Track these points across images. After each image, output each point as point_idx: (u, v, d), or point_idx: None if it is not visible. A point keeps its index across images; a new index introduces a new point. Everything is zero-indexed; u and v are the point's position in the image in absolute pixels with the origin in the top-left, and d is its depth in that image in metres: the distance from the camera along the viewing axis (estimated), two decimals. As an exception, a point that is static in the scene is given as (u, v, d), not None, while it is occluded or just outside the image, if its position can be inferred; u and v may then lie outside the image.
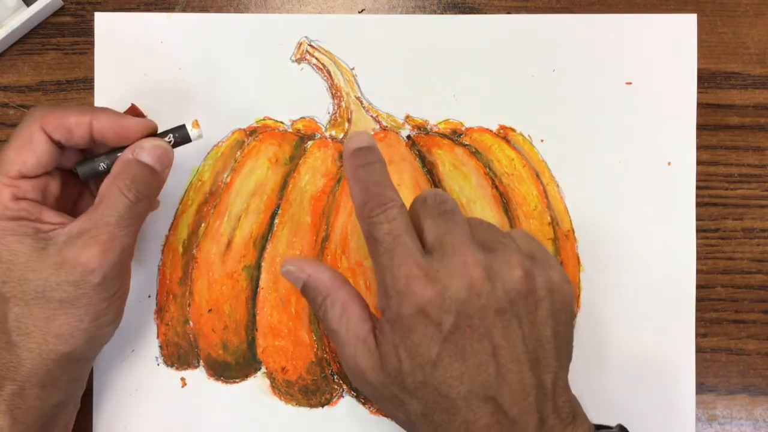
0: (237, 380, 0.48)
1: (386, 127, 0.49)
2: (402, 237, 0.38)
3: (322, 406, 0.48)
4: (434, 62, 0.49)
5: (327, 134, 0.49)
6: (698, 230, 0.49)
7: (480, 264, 0.37)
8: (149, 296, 0.48)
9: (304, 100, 0.49)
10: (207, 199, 0.49)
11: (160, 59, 0.49)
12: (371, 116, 0.49)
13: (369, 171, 0.40)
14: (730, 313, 0.49)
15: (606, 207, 0.49)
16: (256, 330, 0.48)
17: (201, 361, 0.48)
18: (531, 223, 0.49)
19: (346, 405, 0.48)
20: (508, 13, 0.50)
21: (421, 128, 0.49)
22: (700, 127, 0.49)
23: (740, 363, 0.49)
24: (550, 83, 0.49)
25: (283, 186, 0.49)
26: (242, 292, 0.48)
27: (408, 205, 0.41)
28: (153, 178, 0.41)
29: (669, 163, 0.49)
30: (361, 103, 0.49)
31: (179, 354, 0.48)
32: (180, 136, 0.43)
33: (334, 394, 0.48)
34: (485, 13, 0.50)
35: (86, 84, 0.49)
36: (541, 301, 0.38)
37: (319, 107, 0.49)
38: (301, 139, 0.49)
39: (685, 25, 0.49)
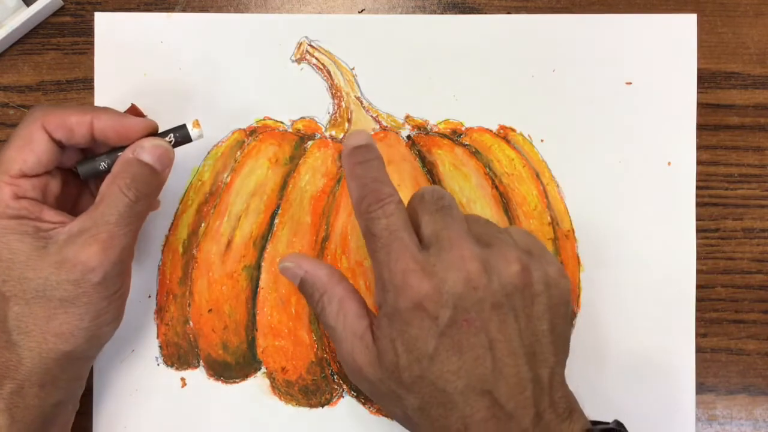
0: (237, 380, 0.48)
1: (386, 127, 0.49)
2: (399, 232, 0.38)
3: (322, 406, 0.48)
4: (434, 62, 0.49)
5: (327, 134, 0.49)
6: (698, 230, 0.49)
7: (477, 258, 0.37)
8: (149, 296, 0.48)
9: (304, 100, 0.49)
10: (207, 199, 0.49)
11: (160, 59, 0.49)
12: (371, 116, 0.49)
13: (367, 168, 0.40)
14: (730, 313, 0.49)
15: (606, 207, 0.49)
16: (256, 330, 0.48)
17: (201, 361, 0.48)
18: (531, 223, 0.49)
19: (346, 405, 0.48)
20: (508, 13, 0.50)
21: (421, 128, 0.49)
22: (700, 127, 0.49)
23: (740, 363, 0.49)
24: (550, 83, 0.49)
25: (283, 186, 0.49)
26: (242, 292, 0.48)
27: (406, 203, 0.41)
28: (153, 178, 0.41)
29: (669, 163, 0.49)
30: (361, 103, 0.49)
31: (179, 354, 0.48)
32: (181, 135, 0.43)
33: (334, 394, 0.48)
34: (485, 13, 0.50)
35: (86, 84, 0.49)
36: (537, 296, 0.38)
37: (319, 107, 0.49)
38: (301, 139, 0.49)
39: (685, 25, 0.49)
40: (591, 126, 0.49)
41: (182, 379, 0.48)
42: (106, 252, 0.39)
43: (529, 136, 0.49)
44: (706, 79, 0.50)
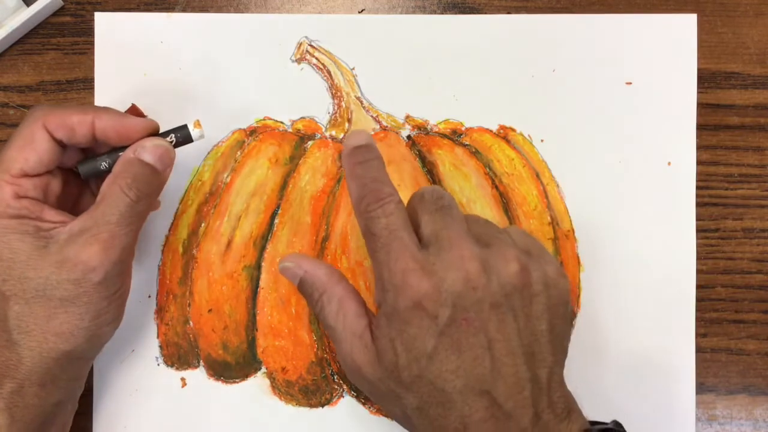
0: (237, 380, 0.48)
1: (386, 127, 0.49)
2: (399, 232, 0.38)
3: (322, 406, 0.48)
4: (434, 62, 0.49)
5: (327, 134, 0.49)
6: (698, 230, 0.49)
7: (476, 258, 0.38)
8: (149, 296, 0.48)
9: (304, 100, 0.49)
10: (207, 199, 0.49)
11: (160, 59, 0.49)
12: (371, 116, 0.49)
13: (366, 168, 0.40)
14: (730, 313, 0.49)
15: (606, 207, 0.49)
16: (256, 330, 0.48)
17: (201, 361, 0.48)
18: (531, 223, 0.49)
19: (346, 405, 0.48)
20: (508, 13, 0.50)
21: (421, 128, 0.49)
22: (700, 127, 0.49)
23: (740, 363, 0.49)
24: (550, 83, 0.49)
25: (283, 186, 0.49)
26: (242, 292, 0.48)
27: (406, 203, 0.41)
28: (154, 178, 0.41)
29: (669, 163, 0.49)
30: (361, 103, 0.49)
31: (179, 354, 0.48)
32: (182, 136, 0.43)
33: (334, 394, 0.48)
34: (485, 13, 0.50)
35: (86, 84, 0.49)
36: (536, 296, 0.38)
37: (319, 107, 0.49)
38: (301, 139, 0.49)
39: (685, 25, 0.49)
40: (591, 126, 0.49)
41: (182, 379, 0.48)
42: (107, 252, 0.39)
43: (529, 136, 0.49)
44: (706, 79, 0.50)
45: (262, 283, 0.48)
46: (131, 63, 0.49)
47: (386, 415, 0.48)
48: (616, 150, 0.49)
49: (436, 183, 0.49)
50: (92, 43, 0.49)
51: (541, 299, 0.39)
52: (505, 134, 0.49)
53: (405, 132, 0.49)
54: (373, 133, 0.49)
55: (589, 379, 0.48)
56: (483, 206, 0.49)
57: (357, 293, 0.42)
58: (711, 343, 0.49)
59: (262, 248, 0.48)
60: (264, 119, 0.49)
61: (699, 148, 0.49)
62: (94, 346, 0.42)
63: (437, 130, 0.49)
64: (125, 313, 0.43)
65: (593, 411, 0.42)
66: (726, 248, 0.49)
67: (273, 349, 0.48)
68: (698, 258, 0.49)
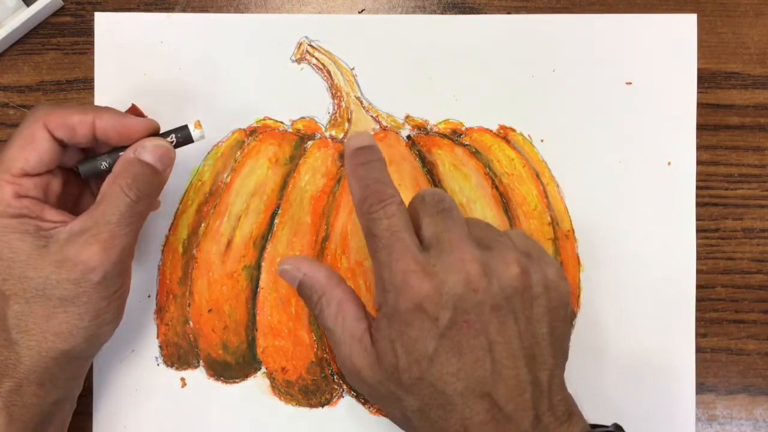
0: (237, 380, 0.48)
1: (386, 127, 0.49)
2: (400, 233, 0.38)
3: (322, 406, 0.48)
4: (434, 62, 0.49)
5: (327, 134, 0.49)
6: (698, 230, 0.49)
7: (477, 260, 0.38)
8: (149, 296, 0.48)
9: (304, 100, 0.49)
10: (207, 199, 0.49)
11: (160, 59, 0.49)
12: (371, 116, 0.49)
13: (369, 169, 0.40)
14: (730, 313, 0.49)
15: (606, 207, 0.49)
16: (256, 330, 0.48)
17: (201, 361, 0.48)
18: (531, 223, 0.49)
19: (346, 405, 0.48)
20: (508, 13, 0.50)
21: (421, 128, 0.49)
22: (700, 127, 0.49)
23: (740, 363, 0.49)
24: (550, 83, 0.49)
25: (283, 186, 0.49)
26: (242, 292, 0.48)
27: (406, 202, 0.41)
28: (154, 178, 0.41)
29: (669, 163, 0.49)
30: (361, 103, 0.49)
31: (179, 354, 0.48)
32: (182, 136, 0.43)
33: (334, 394, 0.48)
34: (485, 13, 0.50)
35: (86, 84, 0.49)
36: (537, 298, 0.38)
37: (319, 107, 0.49)
38: (301, 139, 0.49)
39: (685, 25, 0.49)
40: (591, 126, 0.49)
41: (182, 379, 0.48)
42: (107, 251, 0.39)
43: (529, 136, 0.49)
44: (706, 79, 0.50)
45: (262, 283, 0.48)
46: (131, 63, 0.49)
47: (386, 415, 0.48)
48: (616, 150, 0.49)
49: (436, 183, 0.49)
50: (92, 43, 0.49)
51: (542, 302, 0.39)
52: (505, 134, 0.49)
53: (405, 132, 0.49)
54: (373, 133, 0.49)
55: (589, 378, 0.48)
56: (483, 206, 0.49)
57: (356, 296, 0.41)
58: (711, 343, 0.49)
59: (262, 248, 0.48)
60: (264, 119, 0.49)
61: (699, 148, 0.49)
62: (94, 345, 0.42)
63: (437, 130, 0.49)
64: (125, 313, 0.43)
65: (593, 411, 0.42)
66: (726, 248, 0.49)
67: (273, 349, 0.48)
68: (698, 258, 0.49)
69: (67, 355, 0.40)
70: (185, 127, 0.43)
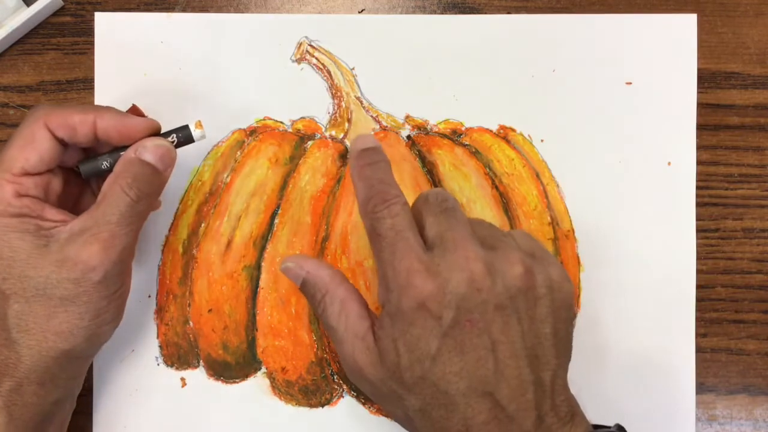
0: (237, 380, 0.48)
1: (386, 127, 0.49)
2: (404, 232, 0.38)
3: (322, 406, 0.48)
4: (434, 62, 0.49)
5: (327, 134, 0.49)
6: (698, 230, 0.49)
7: (481, 259, 0.38)
8: (149, 296, 0.48)
9: (304, 100, 0.49)
10: (207, 199, 0.49)
11: (160, 59, 0.49)
12: (371, 116, 0.49)
13: (374, 169, 0.40)
14: (730, 313, 0.49)
15: (606, 207, 0.49)
16: (256, 330, 0.48)
17: (201, 361, 0.48)
18: (531, 223, 0.49)
19: (346, 405, 0.48)
20: (508, 13, 0.50)
21: (421, 128, 0.49)
22: (700, 127, 0.49)
23: (740, 363, 0.49)
24: (550, 83, 0.49)
25: (283, 186, 0.49)
26: (242, 292, 0.48)
27: (411, 204, 0.41)
28: (155, 177, 0.41)
29: (669, 163, 0.49)
30: (361, 103, 0.49)
31: (179, 354, 0.48)
32: (183, 136, 0.43)
33: (334, 394, 0.48)
34: (485, 13, 0.50)
35: (86, 84, 0.49)
36: (540, 299, 0.38)
37: (319, 107, 0.49)
38: (301, 139, 0.49)
39: (685, 25, 0.49)
40: (591, 126, 0.49)
41: (182, 379, 0.48)
42: (107, 251, 0.39)
43: (529, 136, 0.49)
44: (706, 79, 0.50)
45: (262, 283, 0.48)
46: (131, 63, 0.49)
47: (386, 415, 0.48)
48: (616, 150, 0.49)
49: (436, 183, 0.49)
50: (92, 43, 0.49)
51: (545, 302, 0.39)
52: (505, 134, 0.49)
53: (405, 132, 0.49)
54: (373, 133, 0.49)
55: (589, 378, 0.48)
56: (483, 206, 0.49)
57: (359, 295, 0.42)
58: (711, 343, 0.49)
59: (262, 248, 0.48)
60: (264, 119, 0.49)
61: (699, 148, 0.49)
62: (94, 345, 0.42)
63: (437, 130, 0.49)
64: (125, 313, 0.43)
65: (593, 410, 0.42)
66: (726, 248, 0.49)
67: (273, 349, 0.48)
68: (698, 258, 0.49)
69: (67, 355, 0.40)
70: (186, 127, 0.43)
